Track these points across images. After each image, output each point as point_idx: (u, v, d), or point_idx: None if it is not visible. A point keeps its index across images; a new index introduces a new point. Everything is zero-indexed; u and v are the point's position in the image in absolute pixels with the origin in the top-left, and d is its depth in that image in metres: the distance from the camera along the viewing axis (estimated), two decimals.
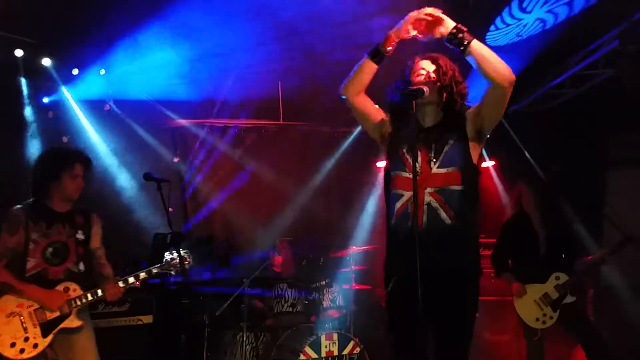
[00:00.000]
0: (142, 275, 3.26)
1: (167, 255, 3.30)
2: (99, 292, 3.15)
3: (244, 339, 4.85)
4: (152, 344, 4.41)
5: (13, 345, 2.94)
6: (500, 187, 6.59)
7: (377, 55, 2.41)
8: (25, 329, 2.99)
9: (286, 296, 4.81)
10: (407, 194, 2.44)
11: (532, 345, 4.07)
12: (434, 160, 2.43)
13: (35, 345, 2.99)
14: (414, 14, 2.31)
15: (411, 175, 2.35)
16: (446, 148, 2.44)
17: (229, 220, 6.25)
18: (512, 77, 2.33)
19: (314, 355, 4.37)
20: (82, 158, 3.24)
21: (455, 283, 2.39)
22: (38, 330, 3.01)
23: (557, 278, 4.01)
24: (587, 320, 4.11)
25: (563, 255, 4.11)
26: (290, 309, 4.78)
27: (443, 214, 2.40)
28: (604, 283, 5.23)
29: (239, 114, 6.43)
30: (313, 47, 5.19)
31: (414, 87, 2.33)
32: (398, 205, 2.47)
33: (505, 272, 4.19)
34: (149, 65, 5.38)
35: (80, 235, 3.22)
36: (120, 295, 3.24)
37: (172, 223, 3.18)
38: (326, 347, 4.41)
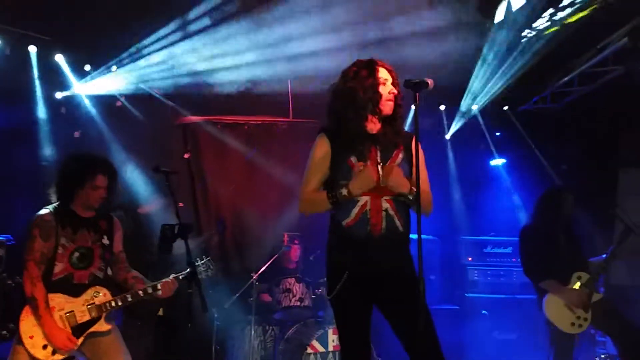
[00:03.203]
0: (181, 277, 3.29)
1: (200, 261, 3.41)
2: (129, 297, 3.18)
3: (252, 332, 4.89)
4: (162, 335, 4.46)
5: (45, 347, 3.00)
6: (510, 185, 6.58)
7: (336, 204, 2.59)
8: None
9: (294, 290, 4.85)
10: (363, 199, 2.57)
11: (561, 352, 4.00)
12: (381, 165, 2.60)
13: None
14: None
15: None
16: (397, 160, 2.63)
17: (238, 216, 6.29)
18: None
19: (322, 349, 4.41)
20: (105, 169, 3.21)
21: (410, 282, 2.56)
22: (69, 332, 3.05)
23: (579, 278, 3.99)
24: (617, 315, 4.01)
25: (580, 256, 4.10)
26: (298, 304, 4.82)
27: (397, 222, 2.60)
28: (612, 281, 5.21)
29: (249, 111, 6.47)
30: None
31: (418, 80, 2.36)
32: (355, 210, 2.57)
33: (548, 279, 4.02)
34: (161, 62, 5.44)
35: (105, 241, 3.25)
36: (173, 292, 3.27)
37: (182, 217, 3.24)
38: (333, 341, 4.45)
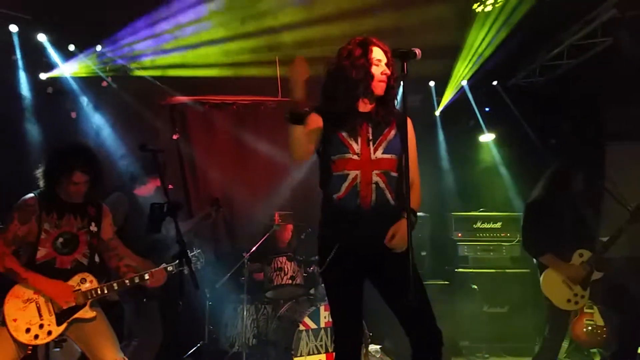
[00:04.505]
0: (170, 268, 3.30)
1: (190, 253, 3.39)
2: (115, 285, 3.17)
3: (245, 312, 4.92)
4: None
5: (28, 330, 2.99)
6: (499, 160, 6.60)
7: (298, 119, 2.45)
8: (40, 316, 3.03)
9: (285, 269, 4.86)
10: (353, 173, 2.57)
11: (556, 327, 4.03)
12: (372, 141, 2.60)
13: (49, 332, 3.03)
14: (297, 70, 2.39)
15: (356, 157, 2.57)
16: (390, 137, 2.62)
17: (228, 196, 6.26)
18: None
19: (314, 326, 4.44)
20: (84, 165, 3.12)
21: (402, 255, 2.49)
22: (53, 318, 3.04)
23: (581, 255, 3.98)
24: (620, 289, 4.02)
25: (585, 233, 4.08)
26: (290, 282, 4.84)
27: (388, 195, 2.60)
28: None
29: (238, 90, 6.40)
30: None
31: (406, 49, 2.33)
32: (346, 184, 2.58)
33: (548, 253, 4.00)
34: (147, 41, 5.36)
35: (93, 227, 3.22)
36: (163, 282, 3.27)
37: (172, 198, 3.21)
38: (325, 317, 4.48)
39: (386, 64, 2.62)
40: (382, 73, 2.60)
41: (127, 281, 3.21)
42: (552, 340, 4.06)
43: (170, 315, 4.26)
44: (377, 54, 2.62)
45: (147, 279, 3.22)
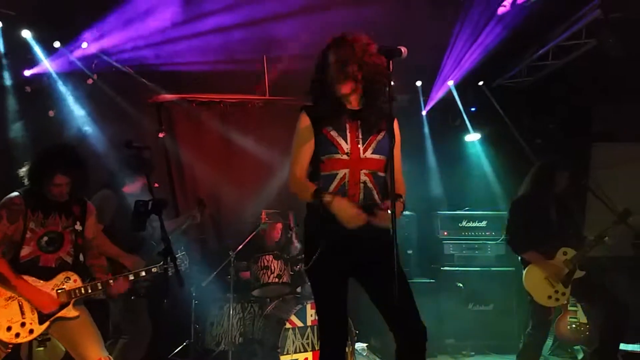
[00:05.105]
0: (154, 269, 3.33)
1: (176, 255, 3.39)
2: (99, 285, 3.17)
3: (231, 310, 4.90)
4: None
5: (9, 329, 2.97)
6: (485, 160, 6.65)
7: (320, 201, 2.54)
8: (23, 314, 3.01)
9: (272, 267, 4.86)
10: (342, 172, 2.59)
11: (539, 323, 4.07)
12: (362, 141, 2.62)
13: (31, 331, 3.02)
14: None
15: (344, 157, 2.60)
16: (379, 137, 2.65)
17: (215, 195, 6.24)
18: None
19: (300, 324, 4.44)
20: (64, 167, 3.12)
21: (387, 253, 2.45)
22: (35, 316, 3.03)
23: (565, 253, 4.03)
24: (599, 287, 4.06)
25: (570, 232, 4.13)
26: (277, 280, 4.83)
27: (375, 195, 2.63)
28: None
29: (225, 88, 6.38)
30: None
31: (391, 47, 2.34)
32: (335, 183, 2.60)
33: (531, 250, 4.08)
34: (134, 38, 5.32)
35: (78, 227, 3.22)
36: (123, 291, 3.29)
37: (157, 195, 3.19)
38: (311, 315, 4.48)
39: (353, 60, 2.56)
40: (338, 73, 2.58)
41: (111, 281, 3.21)
42: (535, 336, 4.11)
43: (157, 314, 4.24)
44: (337, 54, 2.60)
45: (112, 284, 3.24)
